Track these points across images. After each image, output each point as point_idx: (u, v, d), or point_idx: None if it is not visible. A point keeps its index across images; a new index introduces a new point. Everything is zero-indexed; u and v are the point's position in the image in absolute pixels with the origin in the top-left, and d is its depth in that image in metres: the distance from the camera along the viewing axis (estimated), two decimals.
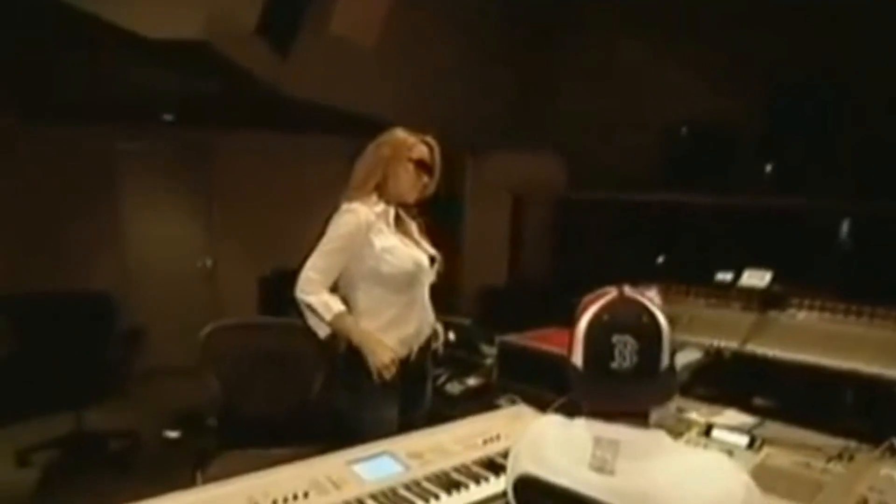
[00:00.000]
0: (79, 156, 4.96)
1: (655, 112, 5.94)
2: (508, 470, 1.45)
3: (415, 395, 2.36)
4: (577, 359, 1.27)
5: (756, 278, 5.01)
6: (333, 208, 2.25)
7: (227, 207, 5.71)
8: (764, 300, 4.70)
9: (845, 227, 6.13)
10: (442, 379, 2.80)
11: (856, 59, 5.02)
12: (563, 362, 1.38)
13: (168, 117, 4.84)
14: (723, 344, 4.19)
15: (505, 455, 2.01)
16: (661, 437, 1.28)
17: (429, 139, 2.31)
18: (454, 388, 2.73)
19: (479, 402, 2.62)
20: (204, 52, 3.23)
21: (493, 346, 3.16)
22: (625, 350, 1.22)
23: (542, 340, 2.95)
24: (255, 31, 3.31)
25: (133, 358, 4.25)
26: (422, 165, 2.26)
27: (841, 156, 5.52)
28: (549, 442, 1.36)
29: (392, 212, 2.25)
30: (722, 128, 5.93)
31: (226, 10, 3.11)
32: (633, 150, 6.11)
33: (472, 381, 2.76)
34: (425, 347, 2.36)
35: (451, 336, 3.26)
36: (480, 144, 6.24)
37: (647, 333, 1.24)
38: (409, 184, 2.26)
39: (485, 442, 2.03)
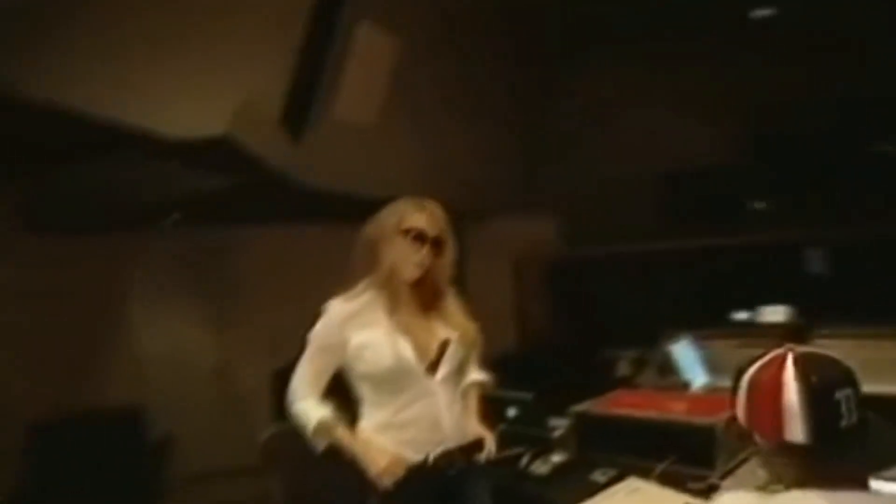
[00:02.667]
0: (86, 265, 4.77)
1: (649, 161, 6.07)
2: None
3: None
4: (797, 434, 1.14)
5: (774, 314, 5.05)
6: None
7: (240, 302, 5.53)
8: (788, 335, 4.70)
9: (816, 255, 6.27)
10: (524, 461, 2.63)
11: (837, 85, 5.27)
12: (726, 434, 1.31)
13: (175, 217, 4.71)
14: None
15: None
16: None
17: (428, 204, 2.02)
18: (541, 468, 2.56)
19: (574, 480, 2.46)
20: (222, 147, 3.16)
21: (559, 417, 3.04)
22: (849, 404, 1.14)
23: (617, 405, 2.84)
24: (278, 121, 3.26)
25: (166, 468, 3.98)
26: (417, 236, 1.96)
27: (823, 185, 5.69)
28: None
29: (386, 298, 1.98)
30: (715, 169, 6.06)
31: (251, 103, 3.05)
32: (631, 200, 6.20)
33: (557, 458, 2.60)
34: (454, 453, 2.02)
35: (512, 412, 3.14)
36: (479, 210, 6.24)
37: (855, 380, 1.18)
38: (402, 259, 1.96)
39: None
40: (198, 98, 2.91)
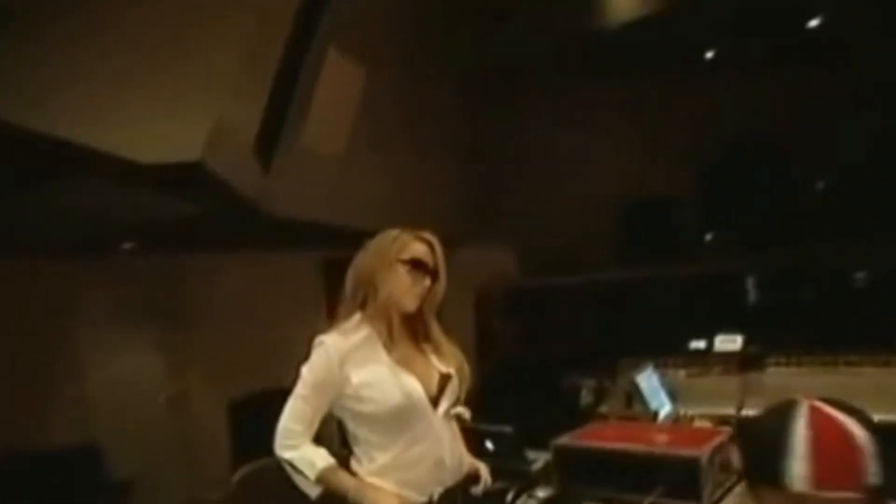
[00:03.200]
0: (38, 292, 4.48)
1: (602, 194, 6.24)
2: None
3: None
4: (874, 476, 1.11)
5: (729, 342, 5.19)
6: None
7: (198, 333, 5.31)
8: (741, 363, 4.86)
9: (750, 283, 6.56)
10: (509, 497, 2.60)
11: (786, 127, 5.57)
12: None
13: (129, 245, 4.49)
14: (724, 412, 4.27)
15: None
16: None
17: (426, 235, 1.99)
18: (527, 503, 2.54)
19: None
20: (191, 173, 3.06)
21: (536, 450, 3.02)
22: None
23: (598, 438, 2.84)
24: (252, 148, 3.18)
25: None
26: (418, 265, 1.91)
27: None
28: None
29: (382, 332, 1.90)
30: (666, 202, 6.28)
31: (224, 129, 2.97)
32: (583, 231, 6.34)
33: (542, 493, 2.58)
34: (455, 490, 1.97)
35: (490, 445, 3.10)
36: (439, 241, 6.23)
37: None
38: (403, 290, 1.89)
39: None
40: (169, 123, 2.80)
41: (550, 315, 6.70)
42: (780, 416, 1.16)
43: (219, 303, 5.30)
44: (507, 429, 3.04)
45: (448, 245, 5.97)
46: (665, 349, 5.11)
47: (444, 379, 1.96)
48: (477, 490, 2.05)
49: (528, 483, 2.70)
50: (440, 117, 5.72)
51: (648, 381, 4.21)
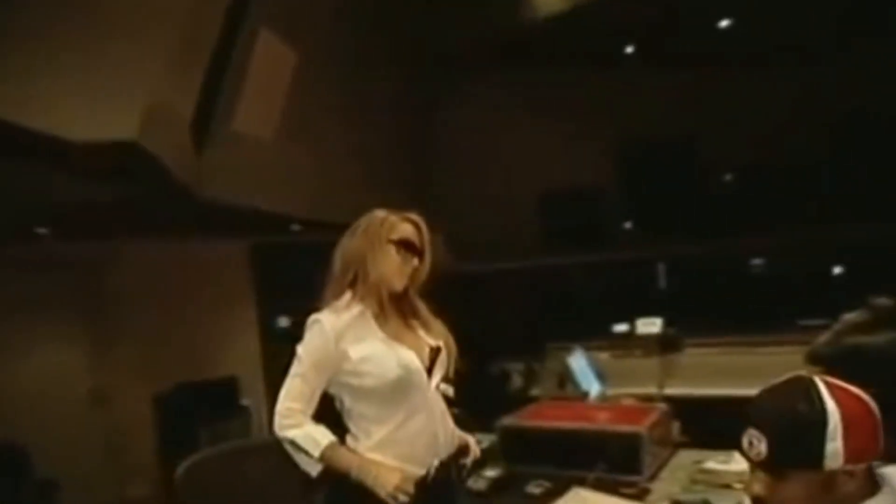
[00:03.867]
0: None
1: (529, 183, 6.40)
2: None
3: None
4: (882, 441, 1.15)
5: (649, 326, 5.47)
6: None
7: (122, 323, 5.02)
8: (661, 345, 5.15)
9: (661, 269, 6.94)
10: (464, 475, 2.64)
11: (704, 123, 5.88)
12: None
13: (45, 231, 4.18)
14: (646, 391, 4.50)
15: None
16: None
17: (413, 216, 2.02)
18: (477, 483, 2.58)
19: (511, 493, 2.51)
20: (128, 153, 2.91)
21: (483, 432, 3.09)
22: None
23: (540, 418, 2.95)
24: (188, 129, 3.06)
25: None
26: (407, 246, 1.96)
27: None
28: None
29: (374, 308, 1.93)
30: (589, 191, 6.50)
31: (161, 109, 2.84)
32: (510, 219, 6.48)
33: (490, 473, 2.64)
34: (448, 463, 2.01)
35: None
36: None
37: None
38: (393, 269, 1.93)
39: None
40: (103, 103, 2.66)
41: (478, 301, 6.81)
42: (806, 396, 1.14)
43: (144, 291, 5.05)
44: (456, 411, 3.09)
45: None
46: (590, 333, 5.34)
47: (435, 352, 2.01)
48: (467, 462, 2.11)
49: (476, 463, 2.75)
50: (375, 106, 5.68)
51: (579, 362, 4.38)
